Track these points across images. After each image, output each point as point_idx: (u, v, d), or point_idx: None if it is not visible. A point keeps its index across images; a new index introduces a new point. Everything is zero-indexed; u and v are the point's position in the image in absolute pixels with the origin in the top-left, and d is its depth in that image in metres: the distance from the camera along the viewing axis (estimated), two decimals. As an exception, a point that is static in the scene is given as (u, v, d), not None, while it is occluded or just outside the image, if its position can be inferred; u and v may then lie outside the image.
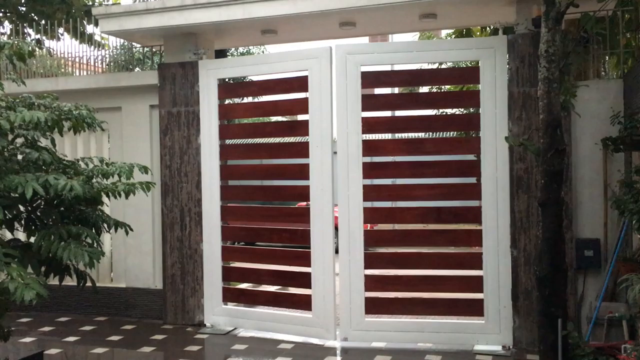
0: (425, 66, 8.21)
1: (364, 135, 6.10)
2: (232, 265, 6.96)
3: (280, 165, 6.97)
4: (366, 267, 6.07)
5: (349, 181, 6.06)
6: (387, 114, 7.22)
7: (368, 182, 6.15)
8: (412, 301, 6.15)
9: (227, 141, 7.13)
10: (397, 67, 7.08)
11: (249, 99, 8.75)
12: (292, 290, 7.06)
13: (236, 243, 8.41)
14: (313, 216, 6.24)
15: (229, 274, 6.87)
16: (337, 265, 6.16)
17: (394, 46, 6.40)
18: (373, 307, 6.13)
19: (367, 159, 6.16)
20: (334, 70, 6.06)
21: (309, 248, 6.27)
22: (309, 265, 6.28)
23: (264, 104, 7.00)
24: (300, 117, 6.80)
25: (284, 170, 6.84)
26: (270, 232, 6.78)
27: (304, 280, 6.34)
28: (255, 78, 7.10)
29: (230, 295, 6.86)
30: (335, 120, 6.07)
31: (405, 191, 6.24)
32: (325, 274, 6.18)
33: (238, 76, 6.91)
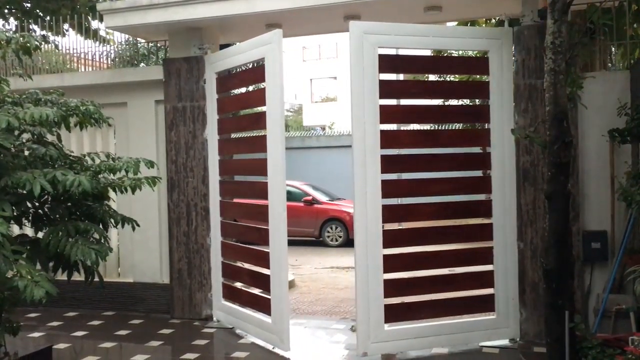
0: (422, 52, 7.70)
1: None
2: (228, 262, 6.80)
3: (249, 161, 6.65)
4: (385, 271, 5.55)
5: (366, 176, 5.48)
6: (395, 102, 6.76)
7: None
8: (431, 304, 5.83)
9: (234, 135, 7.07)
10: (400, 52, 6.77)
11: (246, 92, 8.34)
12: (259, 291, 6.50)
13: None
14: (271, 215, 5.82)
15: (225, 271, 6.80)
16: (355, 268, 5.53)
17: (412, 29, 5.88)
18: (392, 314, 5.63)
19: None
20: (350, 51, 5.46)
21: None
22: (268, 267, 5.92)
23: (241, 96, 6.87)
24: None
25: (252, 165, 6.48)
26: (248, 230, 6.55)
27: (266, 282, 5.97)
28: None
29: (227, 292, 6.78)
30: (351, 108, 5.50)
31: (422, 186, 5.94)
32: (280, 276, 5.76)
33: (228, 68, 6.75)
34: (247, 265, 6.63)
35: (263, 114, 5.99)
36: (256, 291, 6.39)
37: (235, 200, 6.93)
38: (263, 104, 5.96)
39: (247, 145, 6.68)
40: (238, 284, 6.75)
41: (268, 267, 5.92)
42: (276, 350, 5.80)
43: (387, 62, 5.67)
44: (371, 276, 5.49)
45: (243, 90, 6.95)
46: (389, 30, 5.65)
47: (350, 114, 5.51)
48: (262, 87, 6.08)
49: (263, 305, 6.06)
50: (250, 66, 6.41)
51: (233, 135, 7.01)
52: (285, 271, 5.78)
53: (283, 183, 5.73)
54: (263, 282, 6.06)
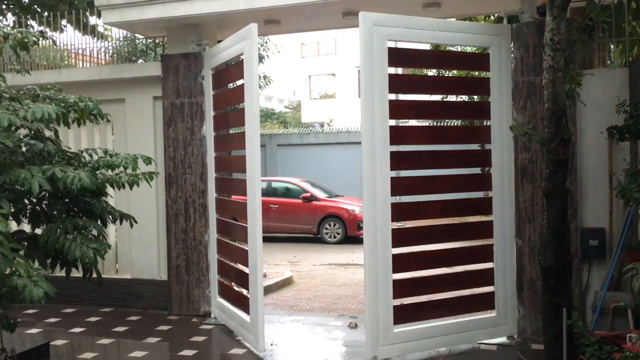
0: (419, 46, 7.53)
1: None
2: (221, 259, 6.78)
3: (234, 158, 6.68)
4: (394, 271, 5.36)
5: (375, 173, 5.26)
6: (393, 97, 6.60)
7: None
8: (437, 303, 5.69)
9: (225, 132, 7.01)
10: (401, 45, 6.67)
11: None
12: (244, 290, 6.40)
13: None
14: (249, 212, 5.74)
15: (219, 268, 6.79)
16: (364, 269, 5.31)
17: (420, 22, 5.70)
18: (400, 315, 5.43)
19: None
20: (360, 43, 5.24)
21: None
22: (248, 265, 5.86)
23: (228, 92, 6.84)
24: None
25: (237, 162, 6.42)
26: (235, 228, 6.52)
27: (246, 280, 5.92)
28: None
29: (220, 289, 6.77)
30: (361, 103, 5.30)
31: (428, 184, 5.76)
32: (255, 274, 5.66)
33: (219, 64, 6.69)
34: (235, 264, 6.58)
35: (243, 110, 5.95)
36: (241, 289, 6.34)
37: (228, 197, 6.90)
38: (243, 100, 5.94)
39: (233, 142, 6.64)
40: (232, 282, 6.75)
41: (246, 265, 5.88)
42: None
43: (394, 56, 5.53)
44: (380, 276, 5.28)
45: (233, 85, 6.92)
46: (398, 23, 5.49)
47: (355, 109, 5.44)
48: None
49: (244, 304, 6.02)
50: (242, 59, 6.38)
51: (224, 132, 6.95)
52: (260, 269, 5.65)
53: (258, 179, 5.67)
54: (245, 280, 6.00)
